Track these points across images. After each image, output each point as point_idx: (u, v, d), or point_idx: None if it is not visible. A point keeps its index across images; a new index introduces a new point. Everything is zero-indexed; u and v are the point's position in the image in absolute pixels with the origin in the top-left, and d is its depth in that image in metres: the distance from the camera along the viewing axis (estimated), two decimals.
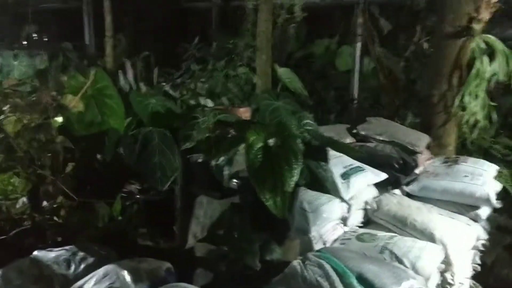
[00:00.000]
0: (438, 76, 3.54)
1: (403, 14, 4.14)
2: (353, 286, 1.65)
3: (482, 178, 2.85)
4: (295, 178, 1.74)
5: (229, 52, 4.90)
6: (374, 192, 2.72)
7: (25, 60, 5.04)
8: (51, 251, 2.32)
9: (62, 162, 2.38)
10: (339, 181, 2.39)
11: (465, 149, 3.77)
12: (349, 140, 3.20)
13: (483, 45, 3.39)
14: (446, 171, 2.99)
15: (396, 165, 3.03)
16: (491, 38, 3.43)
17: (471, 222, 2.69)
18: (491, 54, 3.40)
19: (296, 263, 1.77)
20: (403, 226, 2.52)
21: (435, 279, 2.31)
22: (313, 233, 2.23)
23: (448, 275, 2.40)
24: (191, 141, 2.11)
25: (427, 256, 2.21)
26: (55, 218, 2.62)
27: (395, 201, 2.63)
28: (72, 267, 2.17)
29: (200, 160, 2.22)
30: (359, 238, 2.33)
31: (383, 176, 2.68)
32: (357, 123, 3.60)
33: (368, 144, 3.23)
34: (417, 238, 2.44)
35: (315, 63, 6.39)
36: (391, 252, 2.24)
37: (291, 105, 3.45)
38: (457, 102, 3.44)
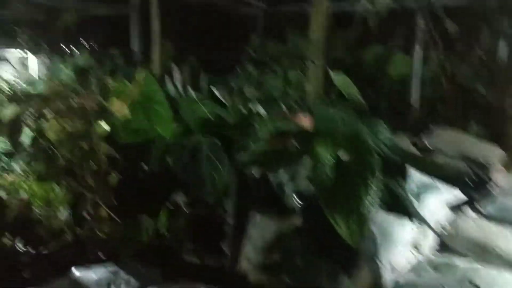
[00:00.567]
0: None
1: (469, 17, 3.76)
2: None
3: None
4: (373, 199, 1.45)
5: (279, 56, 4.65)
6: (448, 213, 2.38)
7: (71, 66, 4.95)
8: (91, 268, 2.12)
9: (105, 172, 2.18)
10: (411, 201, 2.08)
11: None
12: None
13: None
14: None
15: (469, 182, 2.68)
16: None
17: None
18: None
19: None
20: (485, 254, 2.17)
21: None
22: (383, 260, 1.92)
23: None
24: (248, 152, 1.85)
25: None
26: (96, 231, 2.43)
27: (474, 224, 2.28)
28: None
29: (256, 174, 1.95)
30: (436, 267, 2.00)
31: (460, 196, 2.34)
32: (416, 133, 3.27)
33: (435, 157, 2.89)
34: (502, 268, 2.10)
35: (366, 70, 6.08)
36: (474, 285, 1.92)
37: (347, 113, 3.16)
38: None
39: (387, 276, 1.92)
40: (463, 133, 3.47)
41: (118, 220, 2.43)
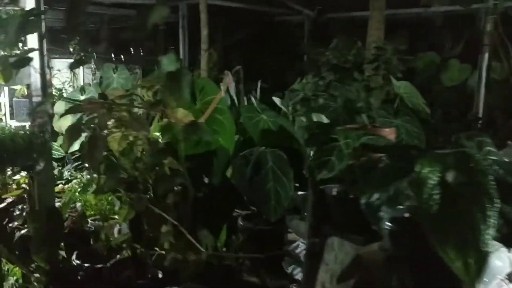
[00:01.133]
0: None
1: None
2: None
3: None
4: (493, 230, 1.21)
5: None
6: None
7: (125, 72, 4.86)
8: None
9: (168, 185, 2.00)
10: None
11: None
12: None
13: None
14: None
15: None
16: None
17: None
18: None
19: None
20: None
21: None
22: None
23: None
24: (330, 169, 1.64)
25: None
26: (154, 247, 2.26)
27: None
28: None
29: (335, 193, 1.73)
30: None
31: None
32: None
33: None
34: None
35: (417, 77, 5.77)
36: None
37: (412, 124, 2.89)
38: None
39: None
40: None
41: (177, 237, 2.25)
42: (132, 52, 7.34)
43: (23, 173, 3.09)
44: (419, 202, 1.26)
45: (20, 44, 2.27)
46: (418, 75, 5.82)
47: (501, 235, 1.58)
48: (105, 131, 2.06)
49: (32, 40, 2.25)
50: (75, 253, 2.42)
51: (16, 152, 2.15)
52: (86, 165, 4.60)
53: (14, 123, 4.47)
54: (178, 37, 7.10)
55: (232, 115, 2.54)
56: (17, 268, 3.46)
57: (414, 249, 1.46)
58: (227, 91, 3.75)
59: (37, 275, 2.21)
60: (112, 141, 1.83)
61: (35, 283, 2.27)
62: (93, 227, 2.69)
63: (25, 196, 2.98)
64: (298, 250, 2.61)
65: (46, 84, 2.28)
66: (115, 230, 2.36)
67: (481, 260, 1.17)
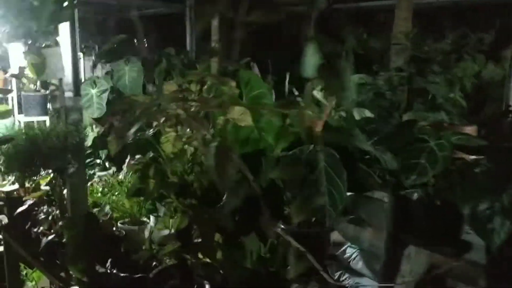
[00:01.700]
0: None
1: None
2: None
3: None
4: None
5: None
6: None
7: (137, 65, 4.63)
8: None
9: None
10: None
11: None
12: None
13: None
14: None
15: None
16: None
17: None
18: None
19: None
20: None
21: None
22: None
23: None
24: (421, 173, 1.46)
25: None
26: (198, 254, 2.07)
27: None
28: None
29: (417, 198, 1.56)
30: None
31: None
32: None
33: None
34: None
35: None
36: None
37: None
38: None
39: None
40: None
41: (222, 243, 2.07)
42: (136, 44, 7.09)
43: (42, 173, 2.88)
44: None
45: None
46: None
47: None
48: (151, 131, 1.87)
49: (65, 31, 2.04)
50: (109, 261, 2.23)
51: (50, 153, 1.94)
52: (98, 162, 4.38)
53: (22, 118, 4.23)
54: (183, 28, 6.87)
55: None
56: (36, 273, 3.26)
57: None
58: None
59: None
60: (166, 142, 1.63)
61: None
62: (123, 232, 2.49)
63: (46, 198, 2.77)
64: (346, 255, 2.44)
65: (78, 78, 2.07)
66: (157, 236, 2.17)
67: None
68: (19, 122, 4.18)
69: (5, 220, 2.98)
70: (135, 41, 6.93)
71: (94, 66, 6.43)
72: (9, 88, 4.28)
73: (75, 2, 1.95)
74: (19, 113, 4.36)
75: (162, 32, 6.84)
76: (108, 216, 2.50)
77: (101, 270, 2.17)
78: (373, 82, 2.26)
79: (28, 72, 3.71)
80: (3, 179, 3.69)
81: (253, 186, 2.20)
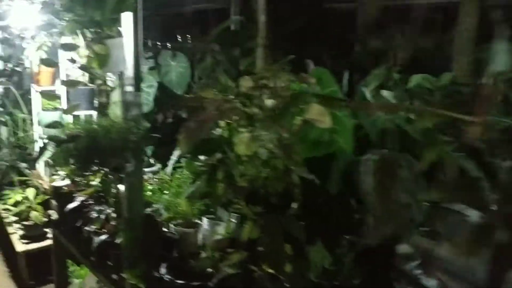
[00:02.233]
0: None
1: None
2: None
3: None
4: None
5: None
6: None
7: (184, 61, 4.50)
8: None
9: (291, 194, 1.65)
10: None
11: None
12: None
13: None
14: None
15: None
16: None
17: None
18: None
19: None
20: None
21: None
22: None
23: None
24: None
25: None
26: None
27: None
28: None
29: None
30: None
31: None
32: None
33: None
34: None
35: None
36: None
37: None
38: None
39: None
40: None
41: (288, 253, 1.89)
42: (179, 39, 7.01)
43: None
44: None
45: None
46: None
47: None
48: (218, 130, 1.71)
49: (127, 22, 1.90)
50: (163, 265, 2.10)
51: (110, 151, 1.82)
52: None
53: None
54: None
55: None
56: (83, 270, 3.17)
57: None
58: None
59: None
60: (240, 143, 1.47)
61: None
62: (177, 234, 2.35)
63: (97, 195, 2.67)
64: (417, 271, 2.23)
65: (139, 72, 1.93)
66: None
67: None
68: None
69: (54, 215, 2.90)
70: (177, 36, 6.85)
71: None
72: (55, 81, 4.23)
73: None
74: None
75: (206, 27, 6.73)
76: (162, 217, 2.38)
77: (157, 275, 2.04)
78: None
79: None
80: (54, 174, 3.64)
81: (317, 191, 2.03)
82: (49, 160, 2.16)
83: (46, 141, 4.15)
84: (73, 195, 2.77)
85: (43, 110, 4.28)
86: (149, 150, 4.36)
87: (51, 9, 1.97)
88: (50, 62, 1.98)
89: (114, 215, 2.34)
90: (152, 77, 4.54)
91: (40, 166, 4.15)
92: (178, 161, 2.98)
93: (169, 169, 2.99)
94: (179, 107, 4.89)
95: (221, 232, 1.88)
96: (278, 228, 1.63)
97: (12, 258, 3.76)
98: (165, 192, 2.56)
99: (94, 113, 4.22)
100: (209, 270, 2.05)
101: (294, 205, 1.69)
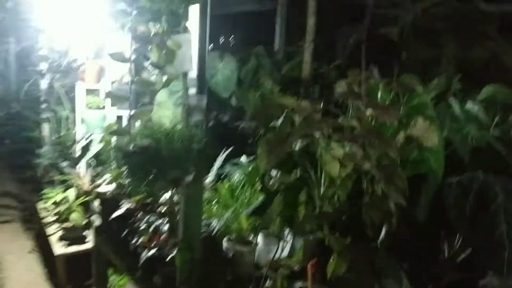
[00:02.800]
0: None
1: None
2: None
3: None
4: None
5: None
6: None
7: (232, 62, 4.30)
8: None
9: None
10: None
11: None
12: None
13: None
14: None
15: None
16: None
17: None
18: None
19: None
20: None
21: None
22: None
23: None
24: None
25: None
26: None
27: None
28: None
29: None
30: None
31: None
32: None
33: None
34: None
35: None
36: None
37: None
38: None
39: None
40: None
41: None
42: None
43: None
44: None
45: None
46: None
47: None
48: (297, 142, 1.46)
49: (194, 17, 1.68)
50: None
51: (173, 161, 1.59)
52: None
53: (114, 112, 4.02)
54: (271, 27, 6.49)
55: None
56: (122, 280, 2.98)
57: None
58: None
59: None
60: (331, 162, 1.22)
61: None
62: (231, 252, 2.11)
63: (144, 204, 2.46)
64: None
65: (205, 73, 1.71)
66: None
67: None
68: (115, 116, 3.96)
69: (97, 221, 2.71)
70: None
71: None
72: (100, 78, 4.07)
73: None
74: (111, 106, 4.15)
75: (251, 30, 6.52)
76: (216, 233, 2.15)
77: None
78: None
79: None
80: (96, 176, 3.47)
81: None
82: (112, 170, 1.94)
83: (88, 140, 4.00)
84: (119, 201, 2.57)
85: (87, 108, 4.13)
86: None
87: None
88: (120, 56, 1.77)
89: (165, 228, 2.12)
90: None
91: (82, 166, 3.99)
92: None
93: (210, 178, 2.74)
94: (225, 111, 4.67)
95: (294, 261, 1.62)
96: (369, 264, 1.37)
97: (50, 260, 3.61)
98: (213, 203, 2.33)
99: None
100: None
101: (384, 236, 1.43)
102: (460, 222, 1.65)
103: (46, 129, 4.59)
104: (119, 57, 1.83)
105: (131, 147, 1.62)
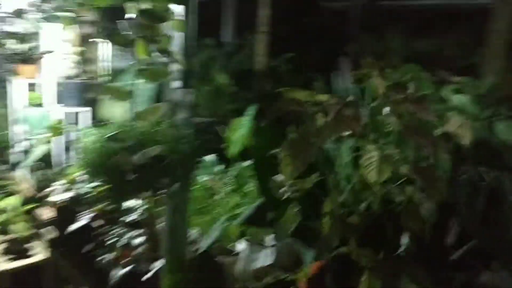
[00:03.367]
0: None
1: None
2: None
3: None
4: None
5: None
6: None
7: None
8: None
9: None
10: None
11: None
12: None
13: None
14: None
15: None
16: None
17: None
18: None
19: None
20: None
21: None
22: None
23: None
24: None
25: None
26: None
27: None
28: None
29: None
30: None
31: None
32: None
33: None
34: None
35: None
36: None
37: None
38: None
39: None
40: None
41: None
42: None
43: None
44: None
45: None
46: None
47: None
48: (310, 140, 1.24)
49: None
50: None
51: (158, 168, 1.31)
52: None
53: (61, 109, 3.59)
54: (217, 18, 6.22)
55: None
56: None
57: None
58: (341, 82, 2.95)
59: None
60: (368, 166, 1.02)
61: None
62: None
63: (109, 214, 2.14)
64: None
65: (191, 67, 1.45)
66: None
67: None
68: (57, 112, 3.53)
69: (52, 233, 2.36)
70: None
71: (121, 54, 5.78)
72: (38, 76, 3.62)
73: None
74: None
75: (201, 20, 6.21)
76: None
77: None
78: None
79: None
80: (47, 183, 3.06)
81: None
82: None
83: (30, 140, 3.55)
84: (77, 210, 2.24)
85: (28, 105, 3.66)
86: None
87: None
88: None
89: (137, 241, 1.83)
90: None
91: (24, 169, 3.53)
92: None
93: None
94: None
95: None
96: (397, 277, 1.19)
97: None
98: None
99: (84, 110, 3.65)
100: None
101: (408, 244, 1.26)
102: (470, 219, 1.52)
103: None
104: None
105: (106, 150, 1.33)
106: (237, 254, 1.95)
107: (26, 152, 3.46)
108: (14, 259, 3.10)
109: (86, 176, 2.21)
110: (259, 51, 4.56)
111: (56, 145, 3.35)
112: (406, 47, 5.24)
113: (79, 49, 3.76)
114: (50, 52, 3.66)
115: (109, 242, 1.92)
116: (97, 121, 3.73)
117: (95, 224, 2.07)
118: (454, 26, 5.28)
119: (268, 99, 4.43)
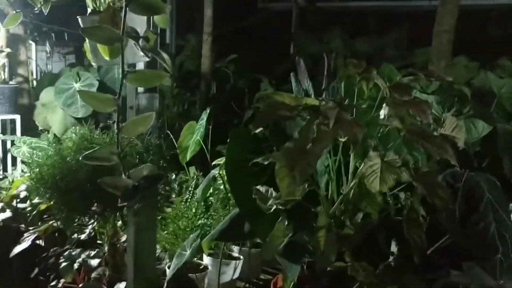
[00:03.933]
0: None
1: None
2: None
3: None
4: None
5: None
6: None
7: None
8: None
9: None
10: None
11: None
12: None
13: None
14: None
15: None
16: None
17: None
18: None
19: None
20: None
21: None
22: None
23: None
24: None
25: None
26: None
27: None
28: None
29: None
30: None
31: None
32: None
33: None
34: None
35: None
36: None
37: None
38: None
39: None
40: None
41: None
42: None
43: None
44: None
45: None
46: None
47: None
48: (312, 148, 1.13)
49: None
50: None
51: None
52: None
53: None
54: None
55: None
56: None
57: None
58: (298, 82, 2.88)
59: None
60: (372, 175, 0.92)
61: None
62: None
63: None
64: None
65: (156, 66, 1.28)
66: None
67: None
68: None
69: None
70: None
71: (49, 57, 5.39)
72: None
73: None
74: None
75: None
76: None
77: None
78: None
79: None
80: None
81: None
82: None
83: None
84: (17, 231, 1.97)
85: None
86: None
87: None
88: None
89: (94, 262, 1.63)
90: (92, 74, 3.72)
91: None
92: None
93: None
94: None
95: None
96: None
97: None
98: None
99: (17, 118, 3.32)
100: None
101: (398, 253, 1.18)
102: (449, 223, 1.48)
103: None
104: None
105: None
106: (206, 268, 1.82)
107: None
108: None
109: (27, 192, 1.96)
110: (204, 53, 4.39)
111: None
112: (346, 47, 5.29)
113: (7, 50, 3.42)
114: None
115: (61, 264, 1.69)
116: (27, 130, 3.42)
117: (44, 244, 1.83)
118: (392, 27, 5.41)
119: (216, 101, 4.28)
